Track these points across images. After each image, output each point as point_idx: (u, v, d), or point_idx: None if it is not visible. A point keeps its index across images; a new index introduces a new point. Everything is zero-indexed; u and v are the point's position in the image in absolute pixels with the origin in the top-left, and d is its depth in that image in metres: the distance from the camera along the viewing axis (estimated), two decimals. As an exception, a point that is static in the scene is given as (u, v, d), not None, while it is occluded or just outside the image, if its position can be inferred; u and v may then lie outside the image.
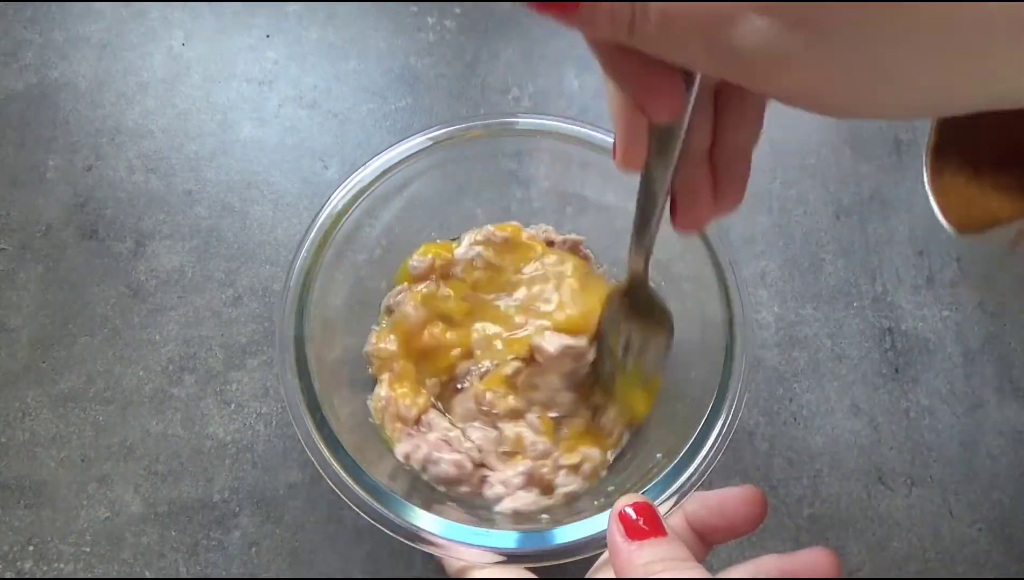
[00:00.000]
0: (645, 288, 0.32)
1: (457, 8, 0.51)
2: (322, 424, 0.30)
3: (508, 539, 0.28)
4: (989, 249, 0.46)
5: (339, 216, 0.34)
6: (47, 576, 0.38)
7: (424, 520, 0.29)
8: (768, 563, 0.27)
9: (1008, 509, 0.41)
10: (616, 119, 0.23)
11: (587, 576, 0.31)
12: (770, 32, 0.15)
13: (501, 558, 0.28)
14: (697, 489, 0.30)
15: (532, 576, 0.31)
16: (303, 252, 0.33)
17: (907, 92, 0.16)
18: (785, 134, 0.49)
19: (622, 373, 0.36)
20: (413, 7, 0.51)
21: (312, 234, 0.33)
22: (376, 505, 0.29)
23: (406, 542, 0.29)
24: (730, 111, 0.23)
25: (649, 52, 0.18)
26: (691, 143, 0.23)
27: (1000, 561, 0.40)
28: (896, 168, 0.48)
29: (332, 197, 0.34)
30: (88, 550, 0.39)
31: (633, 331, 0.35)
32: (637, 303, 0.33)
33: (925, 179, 0.22)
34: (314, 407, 0.30)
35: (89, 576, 0.38)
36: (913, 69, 0.15)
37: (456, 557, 0.29)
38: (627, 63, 0.19)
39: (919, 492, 0.41)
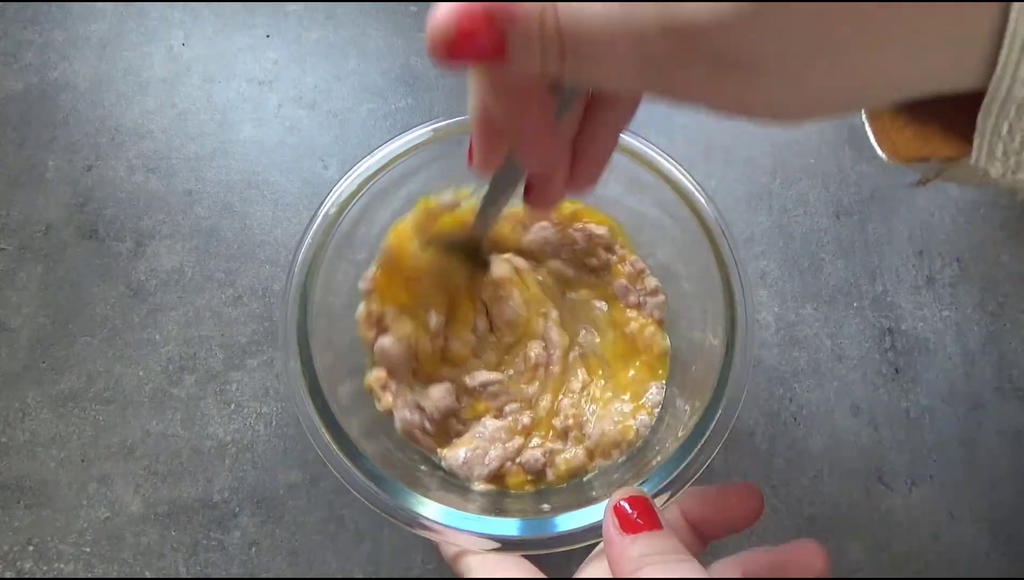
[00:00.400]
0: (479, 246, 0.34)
1: (457, 8, 0.51)
2: (324, 409, 0.30)
3: (508, 526, 0.28)
4: (989, 249, 0.46)
5: (344, 205, 0.34)
6: (47, 576, 0.38)
7: (423, 506, 0.29)
8: (758, 555, 0.28)
9: (1008, 509, 0.41)
10: (477, 126, 0.23)
11: (582, 565, 0.31)
12: (684, 58, 0.16)
13: (496, 545, 0.28)
14: (694, 484, 0.30)
15: (527, 564, 0.31)
16: (307, 239, 0.33)
17: (818, 97, 0.17)
18: (785, 134, 0.49)
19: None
20: (413, 7, 0.51)
21: (316, 222, 0.33)
22: (376, 490, 0.29)
23: (405, 527, 0.29)
24: (604, 97, 0.23)
25: (577, 80, 0.17)
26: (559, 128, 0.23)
27: (1000, 561, 0.40)
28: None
29: (337, 186, 0.34)
30: (88, 550, 0.39)
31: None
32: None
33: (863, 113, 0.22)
34: (316, 392, 0.31)
35: (89, 576, 0.38)
36: (832, 74, 0.16)
37: (454, 543, 0.29)
38: (506, 99, 0.20)
39: (919, 492, 0.41)
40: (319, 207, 0.34)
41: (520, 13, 0.16)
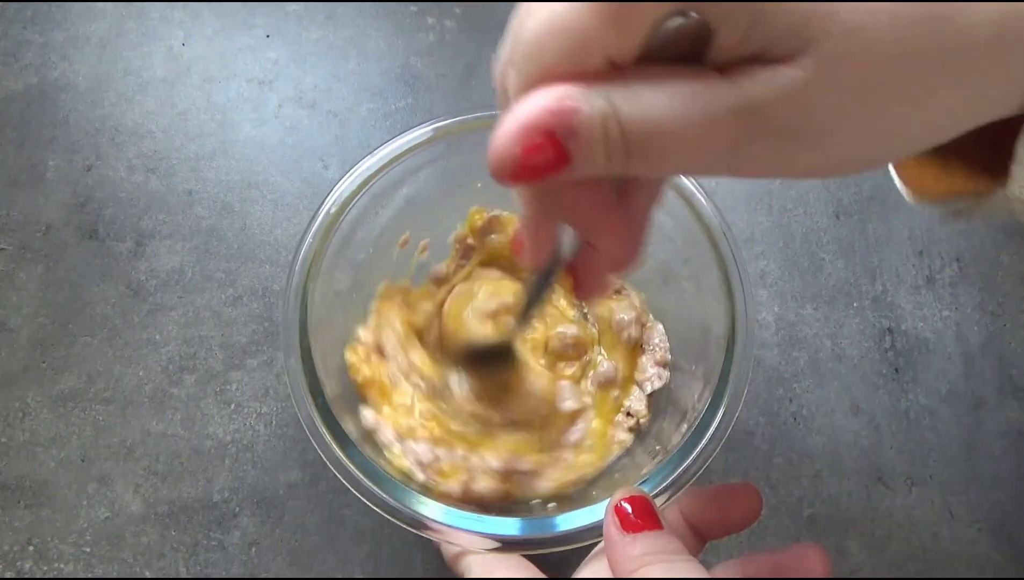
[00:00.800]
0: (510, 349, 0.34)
1: (457, 8, 0.51)
2: (324, 408, 0.30)
3: (508, 526, 0.28)
4: (989, 249, 0.46)
5: (344, 204, 0.34)
6: (47, 576, 0.38)
7: (424, 505, 0.29)
8: (758, 558, 0.28)
9: (1008, 509, 0.41)
10: (528, 230, 0.23)
11: (581, 565, 0.31)
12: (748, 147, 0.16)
13: (497, 544, 0.28)
14: (693, 485, 0.30)
15: (527, 564, 0.31)
16: (308, 239, 0.33)
17: (864, 156, 0.17)
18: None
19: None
20: (413, 7, 0.51)
21: (317, 222, 0.33)
22: (376, 490, 0.29)
23: (406, 527, 0.29)
24: (633, 180, 0.23)
25: (642, 174, 0.17)
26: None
27: (1000, 561, 0.40)
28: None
29: (337, 186, 0.34)
30: (88, 550, 0.39)
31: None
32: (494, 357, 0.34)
33: None
34: (316, 391, 0.31)
35: (89, 576, 0.38)
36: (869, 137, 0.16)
37: (455, 543, 0.29)
38: (579, 203, 0.20)
39: (919, 492, 0.41)
40: (320, 206, 0.34)
41: (582, 125, 0.16)
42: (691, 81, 0.16)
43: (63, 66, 0.49)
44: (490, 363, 0.35)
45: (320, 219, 0.33)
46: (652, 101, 0.16)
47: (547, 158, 0.16)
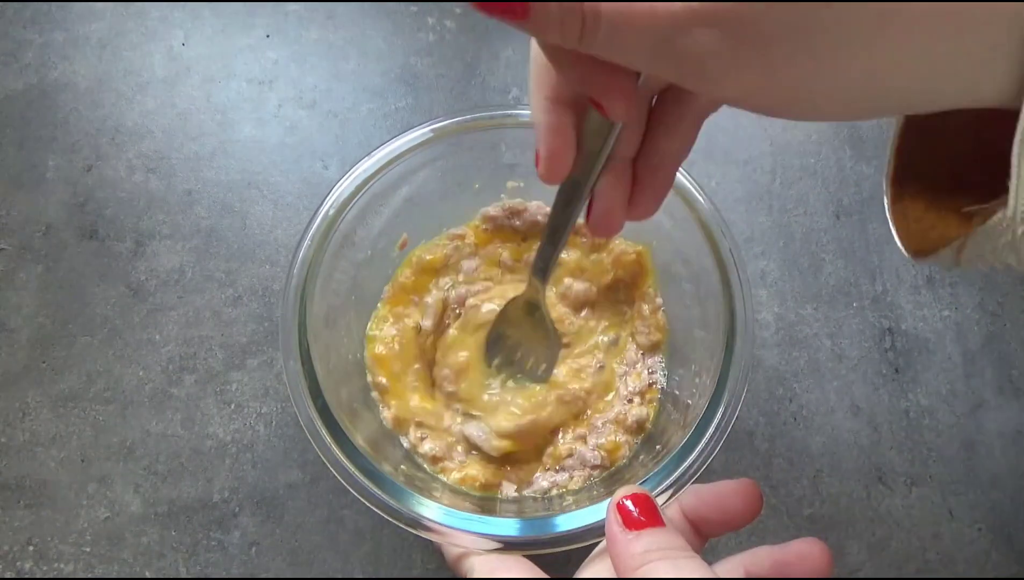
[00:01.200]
0: (540, 309, 0.33)
1: (457, 8, 0.51)
2: (324, 410, 0.30)
3: (508, 527, 0.28)
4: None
5: (343, 205, 0.34)
6: (47, 576, 0.38)
7: (424, 507, 0.29)
8: (761, 554, 0.28)
9: (1008, 509, 0.41)
10: (543, 128, 0.23)
11: (582, 566, 0.31)
12: (714, 43, 0.16)
13: (498, 545, 0.28)
14: (694, 483, 0.30)
15: (529, 564, 0.31)
16: (307, 240, 0.33)
17: (841, 91, 0.17)
18: (785, 134, 0.49)
19: (505, 376, 0.37)
20: (413, 7, 0.51)
21: (316, 222, 0.33)
22: (377, 491, 0.29)
23: (406, 528, 0.29)
24: (664, 121, 0.23)
25: (598, 56, 0.18)
26: (618, 149, 0.23)
27: (1000, 561, 0.40)
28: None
29: (336, 186, 0.34)
30: (88, 550, 0.39)
31: (523, 341, 0.36)
32: (532, 317, 0.34)
33: (886, 205, 0.22)
34: (316, 393, 0.31)
35: (89, 576, 0.38)
36: (845, 70, 0.16)
37: (455, 544, 0.29)
38: (580, 64, 0.19)
39: (919, 492, 0.41)
40: (319, 206, 0.34)
41: None
42: None
43: (63, 66, 0.49)
44: (519, 325, 0.35)
45: (319, 220, 0.33)
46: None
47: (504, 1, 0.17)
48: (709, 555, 0.28)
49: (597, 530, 0.28)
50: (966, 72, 0.16)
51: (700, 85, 0.18)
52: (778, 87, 0.17)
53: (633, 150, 0.24)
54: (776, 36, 0.15)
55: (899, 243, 0.22)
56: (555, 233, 0.28)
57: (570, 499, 0.34)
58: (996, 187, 0.17)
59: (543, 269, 0.30)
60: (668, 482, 0.29)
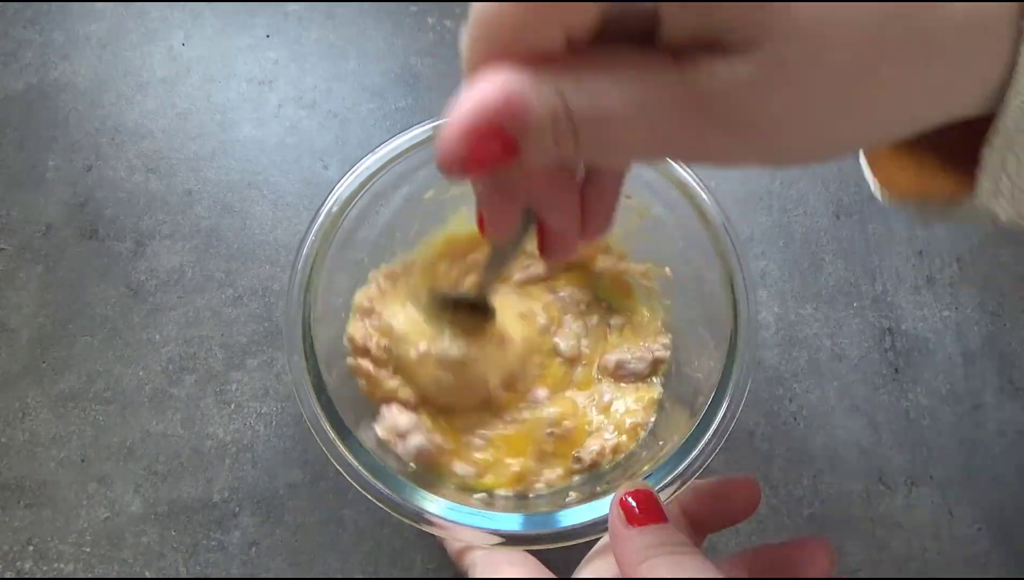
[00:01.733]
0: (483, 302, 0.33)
1: (457, 8, 0.51)
2: (328, 406, 0.30)
3: (511, 522, 0.29)
4: (989, 249, 0.46)
5: (346, 203, 0.34)
6: (47, 576, 0.38)
7: (427, 501, 0.29)
8: (763, 552, 0.28)
9: (1008, 509, 0.41)
10: (488, 209, 0.22)
11: (582, 563, 0.31)
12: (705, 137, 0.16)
13: (501, 540, 0.28)
14: (695, 479, 0.30)
15: (532, 559, 0.31)
16: (310, 237, 0.33)
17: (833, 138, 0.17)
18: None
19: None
20: (413, 7, 0.51)
21: (319, 220, 0.33)
22: (380, 486, 0.29)
23: (409, 522, 0.29)
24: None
25: (593, 161, 0.17)
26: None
27: (1000, 561, 0.40)
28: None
29: (339, 184, 0.34)
30: (88, 550, 0.39)
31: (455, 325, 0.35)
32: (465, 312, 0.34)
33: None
34: (320, 388, 0.31)
35: (89, 576, 0.38)
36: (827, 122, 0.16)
37: (458, 539, 0.29)
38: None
39: (919, 492, 0.41)
40: (321, 205, 0.34)
41: (531, 119, 0.16)
42: (642, 70, 0.16)
43: (63, 66, 0.49)
44: (467, 315, 0.35)
45: (322, 217, 0.33)
46: (602, 92, 0.16)
47: (496, 152, 0.16)
48: (709, 555, 0.28)
49: (598, 526, 0.28)
50: (940, 96, 0.16)
51: (692, 162, 0.18)
52: (772, 152, 0.17)
53: (579, 178, 0.23)
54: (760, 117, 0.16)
55: (871, 182, 0.21)
56: (498, 262, 0.28)
57: (572, 495, 0.34)
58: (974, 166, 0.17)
59: (492, 282, 0.30)
60: (668, 482, 0.29)
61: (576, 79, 0.16)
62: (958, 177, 0.19)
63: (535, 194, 0.21)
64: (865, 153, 0.22)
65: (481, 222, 0.23)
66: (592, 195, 0.23)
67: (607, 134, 0.16)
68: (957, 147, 0.18)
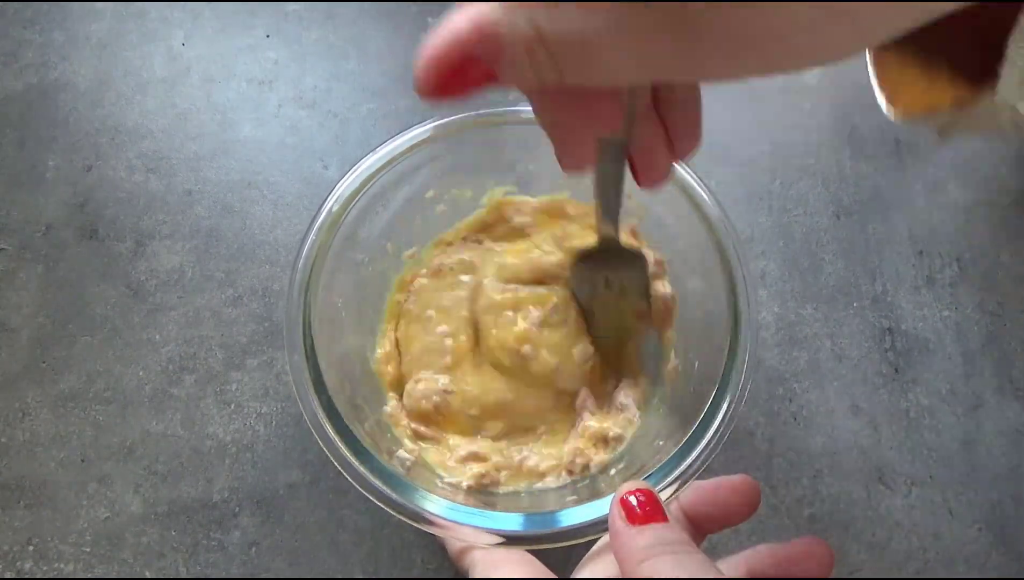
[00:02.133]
0: (617, 243, 0.33)
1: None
2: (328, 405, 0.30)
3: (511, 521, 0.29)
4: (989, 249, 0.46)
5: (347, 202, 0.34)
6: (47, 576, 0.38)
7: (428, 501, 0.29)
8: (763, 553, 0.28)
9: (1008, 509, 0.41)
10: (553, 130, 0.22)
11: (582, 562, 0.31)
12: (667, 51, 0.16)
13: (501, 539, 0.28)
14: (695, 479, 0.30)
15: (532, 559, 0.31)
16: (310, 236, 0.33)
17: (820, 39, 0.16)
18: (785, 134, 0.49)
19: (615, 313, 0.37)
20: (413, 7, 0.51)
21: (319, 219, 0.34)
22: (380, 485, 0.29)
23: (409, 522, 0.29)
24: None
25: (580, 83, 0.17)
26: (634, 106, 0.23)
27: (1000, 561, 0.40)
28: (896, 168, 0.48)
29: (339, 184, 0.34)
30: (88, 550, 0.39)
31: (610, 274, 0.36)
32: (608, 256, 0.34)
33: (868, 61, 0.21)
34: (321, 388, 0.31)
35: (89, 576, 0.38)
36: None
37: (459, 538, 0.29)
38: (561, 100, 0.19)
39: (919, 492, 0.41)
40: (321, 205, 0.34)
41: (504, 50, 0.16)
42: None
43: (63, 66, 0.49)
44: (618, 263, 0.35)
45: (323, 217, 0.34)
46: (577, 18, 0.15)
47: (474, 78, 0.17)
48: (709, 555, 0.28)
49: (598, 525, 0.28)
50: None
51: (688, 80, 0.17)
52: (737, 69, 0.16)
53: (647, 97, 0.23)
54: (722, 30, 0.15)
55: (882, 103, 0.21)
56: (608, 203, 0.29)
57: (572, 495, 0.34)
58: (988, 71, 0.17)
59: (612, 217, 0.30)
60: (668, 482, 0.29)
61: (550, 6, 0.16)
62: (969, 87, 0.19)
63: (601, 118, 0.20)
64: (875, 70, 0.21)
65: (559, 157, 0.23)
66: (671, 110, 0.23)
67: (589, 58, 0.16)
68: (967, 58, 0.18)
